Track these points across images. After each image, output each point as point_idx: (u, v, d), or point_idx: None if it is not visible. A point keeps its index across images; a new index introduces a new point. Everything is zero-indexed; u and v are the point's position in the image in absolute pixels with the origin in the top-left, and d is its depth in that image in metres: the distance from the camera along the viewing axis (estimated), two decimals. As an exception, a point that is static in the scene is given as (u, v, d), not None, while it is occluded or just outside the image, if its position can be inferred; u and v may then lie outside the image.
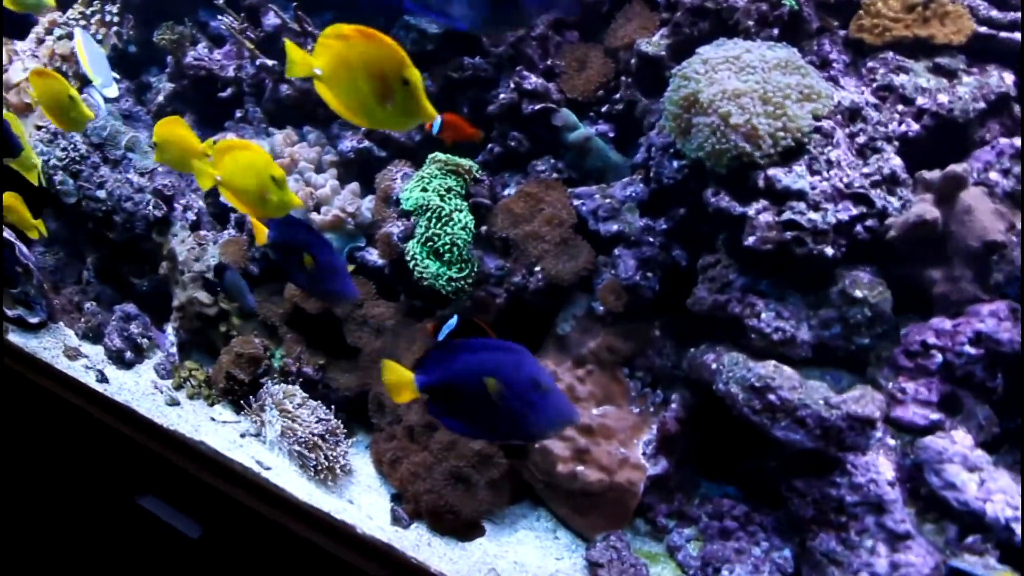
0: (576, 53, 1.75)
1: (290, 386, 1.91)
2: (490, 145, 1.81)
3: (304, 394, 1.89)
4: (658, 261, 1.65)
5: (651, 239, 1.65)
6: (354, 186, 1.87)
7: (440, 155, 1.72)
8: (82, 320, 2.32)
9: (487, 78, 1.83)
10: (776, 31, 1.51)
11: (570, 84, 1.73)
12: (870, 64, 1.53)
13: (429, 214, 1.63)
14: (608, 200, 1.67)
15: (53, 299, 2.38)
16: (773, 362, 1.44)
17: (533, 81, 1.67)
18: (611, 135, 1.77)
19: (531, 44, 1.70)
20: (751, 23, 1.51)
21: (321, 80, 1.09)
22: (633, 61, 1.64)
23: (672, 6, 1.61)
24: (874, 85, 1.49)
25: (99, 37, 2.14)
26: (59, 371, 2.16)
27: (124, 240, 2.18)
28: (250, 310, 1.80)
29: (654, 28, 1.63)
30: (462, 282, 1.69)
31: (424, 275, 1.66)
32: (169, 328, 2.15)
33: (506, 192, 1.78)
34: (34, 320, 2.36)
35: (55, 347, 2.32)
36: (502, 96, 1.71)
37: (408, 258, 1.68)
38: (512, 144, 1.71)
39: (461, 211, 1.65)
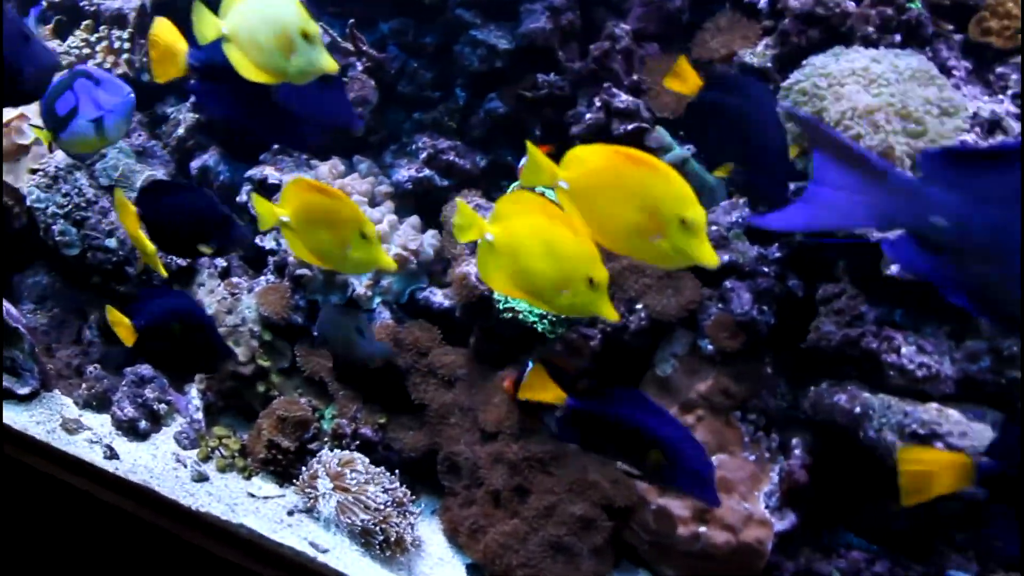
0: (663, 67, 1.64)
1: (347, 452, 1.79)
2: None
3: (364, 459, 1.73)
4: (774, 293, 1.53)
5: (765, 269, 1.52)
6: (414, 220, 1.75)
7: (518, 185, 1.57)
8: (83, 386, 2.15)
9: (563, 96, 1.72)
10: (899, 37, 1.41)
11: (659, 101, 1.65)
12: (1000, 70, 1.45)
13: None
14: (714, 227, 1.55)
15: (47, 364, 2.14)
16: (935, 405, 1.32)
17: (624, 99, 1.59)
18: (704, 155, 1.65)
19: (616, 58, 1.59)
20: (871, 29, 1.42)
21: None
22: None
23: (777, 13, 1.50)
24: (1009, 93, 1.39)
25: (107, 65, 1.93)
26: (57, 449, 1.95)
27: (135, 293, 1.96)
28: (381, 354, 1.61)
29: (756, 38, 1.52)
30: (559, 330, 1.66)
31: (516, 313, 1.51)
32: (193, 390, 1.98)
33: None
34: (23, 390, 2.19)
35: (50, 420, 2.13)
36: (588, 116, 1.62)
37: (499, 297, 1.52)
38: None
39: None
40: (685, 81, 1.40)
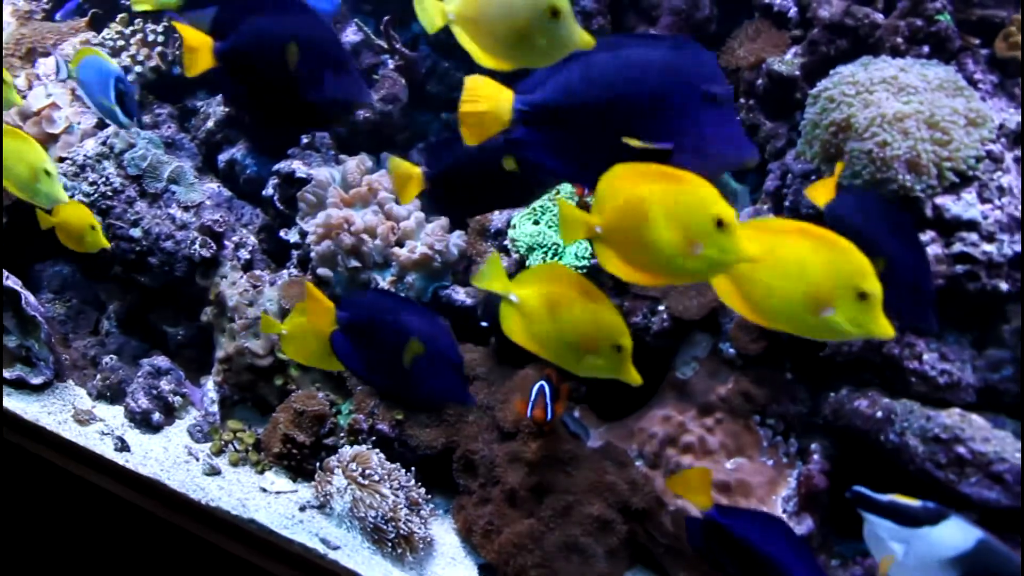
0: None
1: (364, 448, 1.78)
2: None
3: (381, 456, 1.74)
4: (797, 297, 1.54)
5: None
6: (444, 221, 1.79)
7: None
8: (98, 377, 2.20)
9: None
10: (926, 49, 1.45)
11: None
12: (1027, 84, 1.49)
13: (544, 250, 1.52)
14: (738, 231, 1.58)
15: (62, 354, 2.18)
16: (958, 410, 1.35)
17: None
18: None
19: None
20: (899, 40, 1.47)
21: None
22: (760, 81, 1.58)
23: (806, 23, 1.55)
24: (1034, 106, 1.44)
25: (140, 58, 1.99)
26: (67, 440, 1.99)
27: (159, 285, 1.99)
28: None
29: (785, 46, 1.57)
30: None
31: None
32: (209, 383, 2.00)
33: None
34: (37, 380, 2.22)
35: (62, 410, 2.17)
36: None
37: None
38: None
39: (576, 242, 1.54)
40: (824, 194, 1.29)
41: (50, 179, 1.59)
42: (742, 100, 1.80)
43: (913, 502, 1.13)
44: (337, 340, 1.32)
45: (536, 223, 1.71)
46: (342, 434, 1.93)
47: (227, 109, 2.12)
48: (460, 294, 1.91)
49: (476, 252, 1.83)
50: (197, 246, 2.01)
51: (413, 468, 1.85)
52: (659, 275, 1.03)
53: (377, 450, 1.84)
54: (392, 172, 1.30)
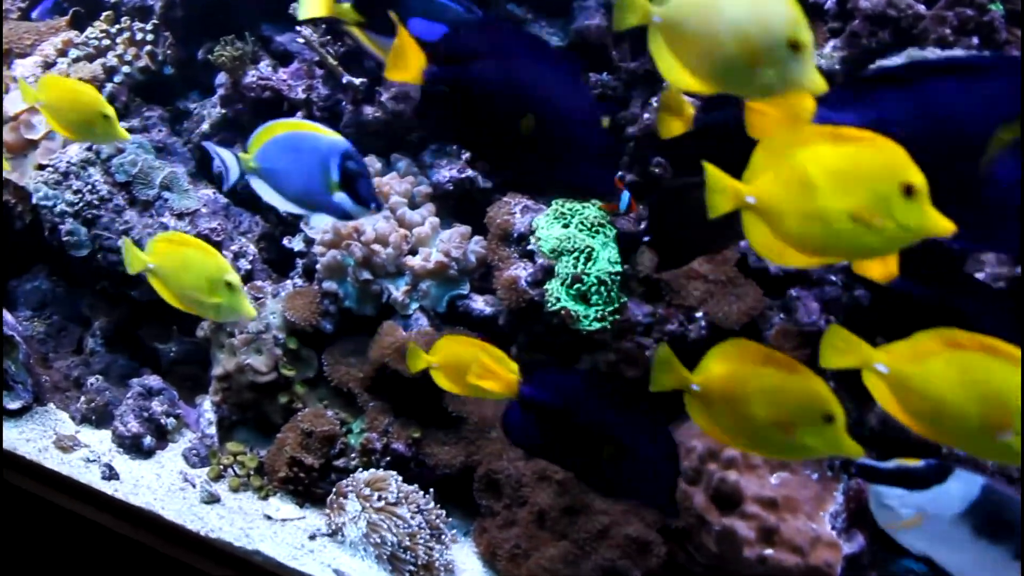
0: None
1: (380, 471, 1.78)
2: (619, 173, 1.64)
3: (398, 478, 1.69)
4: (841, 302, 1.49)
5: (833, 277, 1.49)
6: (464, 230, 1.73)
7: None
8: (82, 400, 2.10)
9: (616, 97, 1.68)
10: (976, 40, 1.40)
11: None
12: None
13: (576, 253, 1.44)
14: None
15: (42, 375, 2.07)
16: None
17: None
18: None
19: None
20: (947, 31, 1.41)
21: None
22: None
23: (845, 15, 1.50)
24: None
25: (128, 58, 1.88)
26: (48, 469, 1.89)
27: (151, 299, 1.88)
28: None
29: (823, 39, 1.51)
30: (608, 320, 1.62)
31: (571, 317, 1.48)
32: (206, 403, 1.91)
33: (643, 225, 1.61)
34: (14, 404, 2.10)
35: (43, 436, 2.06)
36: (646, 117, 1.61)
37: (550, 301, 1.47)
38: (657, 171, 1.54)
39: (607, 245, 1.47)
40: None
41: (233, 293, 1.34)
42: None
43: (917, 463, 1.12)
44: (513, 416, 1.23)
45: (566, 226, 1.63)
46: (354, 455, 1.84)
47: (226, 110, 2.02)
48: (478, 303, 1.83)
49: (498, 258, 1.75)
50: None
51: (432, 490, 1.75)
52: (824, 252, 0.92)
53: (395, 473, 1.74)
54: (666, 98, 1.11)
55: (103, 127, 1.45)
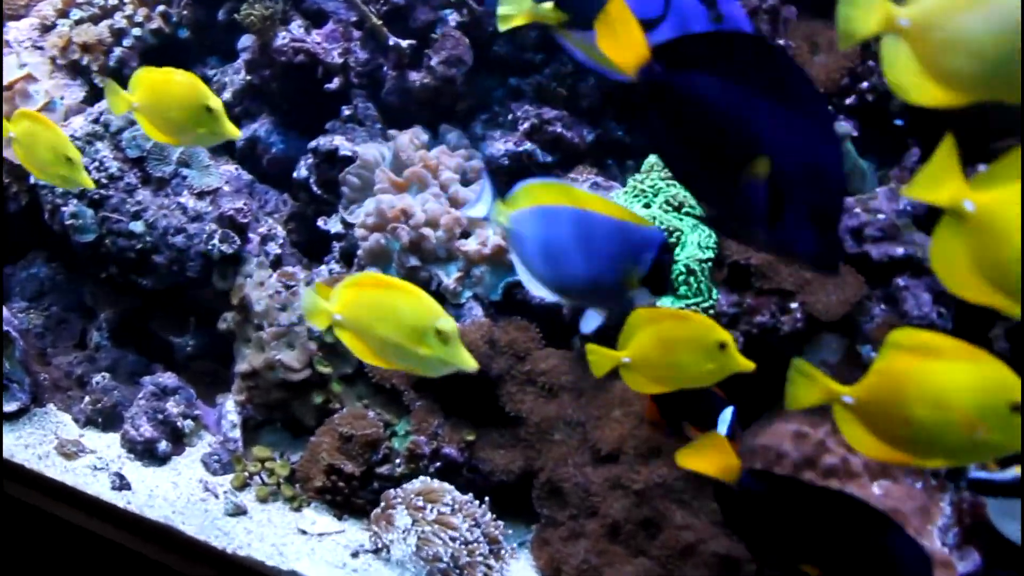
0: (807, 32, 1.47)
1: (434, 481, 1.62)
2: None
3: (452, 490, 1.60)
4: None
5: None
6: None
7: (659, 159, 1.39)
8: (86, 400, 1.93)
9: None
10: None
11: (808, 70, 1.44)
12: None
13: None
14: (881, 215, 1.37)
15: (40, 373, 2.04)
16: None
17: None
18: (854, 135, 1.48)
19: (763, 18, 1.40)
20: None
21: None
22: None
23: None
24: None
25: (138, 19, 1.70)
26: (50, 478, 1.74)
27: (165, 288, 1.72)
28: None
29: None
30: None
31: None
32: (228, 403, 1.79)
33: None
34: (10, 407, 1.92)
35: (43, 442, 1.90)
36: None
37: None
38: None
39: (697, 228, 1.31)
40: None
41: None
42: (870, 64, 1.59)
43: None
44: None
45: (647, 206, 1.47)
46: (399, 461, 1.69)
47: (251, 76, 1.84)
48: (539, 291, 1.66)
49: (564, 241, 1.58)
50: (216, 241, 1.74)
51: (487, 499, 1.60)
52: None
53: (449, 485, 1.58)
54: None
55: (209, 125, 1.25)
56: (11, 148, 1.45)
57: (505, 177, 1.77)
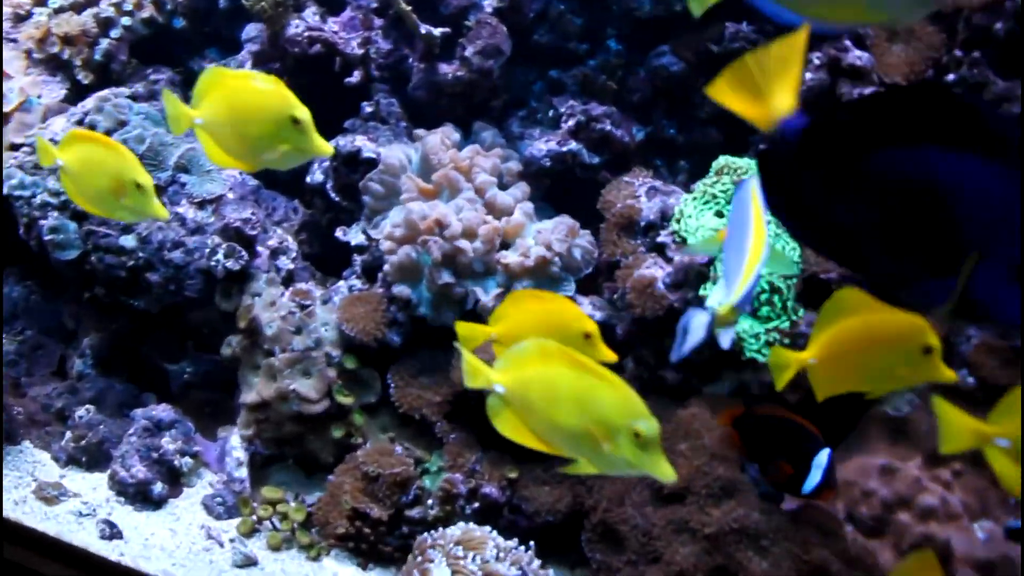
0: None
1: (475, 527, 1.44)
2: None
3: (495, 536, 1.41)
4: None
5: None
6: (571, 222, 1.40)
7: (730, 159, 1.25)
8: (68, 436, 1.75)
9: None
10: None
11: (886, 61, 1.32)
12: None
13: None
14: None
15: (13, 406, 1.80)
16: None
17: (857, 55, 1.26)
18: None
19: None
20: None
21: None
22: (1000, 25, 1.24)
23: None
24: None
25: (128, 7, 1.51)
26: (28, 528, 1.55)
27: (159, 310, 1.53)
28: None
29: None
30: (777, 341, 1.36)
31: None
32: (233, 438, 1.63)
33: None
34: None
35: (19, 484, 1.72)
36: (810, 76, 1.30)
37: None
38: None
39: (779, 239, 1.17)
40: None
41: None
42: (956, 52, 1.45)
43: None
44: None
45: (720, 214, 1.31)
46: (431, 502, 1.53)
47: (259, 69, 1.66)
48: (585, 306, 1.53)
49: (621, 252, 1.42)
50: (220, 256, 1.56)
51: (532, 543, 1.43)
52: None
53: (491, 530, 1.41)
54: None
55: (295, 140, 1.04)
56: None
57: (547, 180, 1.64)
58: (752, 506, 1.42)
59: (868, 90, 1.39)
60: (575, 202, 1.59)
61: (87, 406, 1.76)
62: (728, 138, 1.62)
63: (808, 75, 1.43)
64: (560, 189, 1.65)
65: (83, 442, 1.72)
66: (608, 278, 1.59)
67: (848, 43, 1.44)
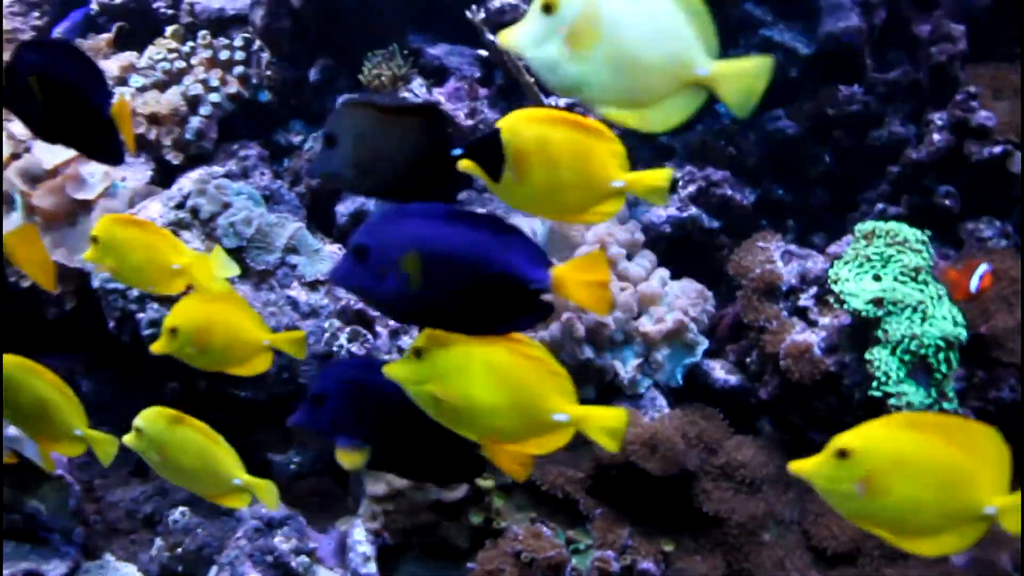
0: (990, 75, 1.43)
1: None
2: (880, 205, 1.42)
3: None
4: None
5: None
6: (698, 285, 1.43)
7: (878, 224, 1.30)
8: (159, 545, 1.61)
9: (868, 114, 1.45)
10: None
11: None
12: None
13: (907, 311, 1.20)
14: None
15: (90, 514, 1.69)
16: None
17: (985, 114, 1.32)
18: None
19: (956, 65, 1.34)
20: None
21: None
22: None
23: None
24: None
25: (213, 83, 1.47)
26: None
27: (266, 398, 1.49)
28: None
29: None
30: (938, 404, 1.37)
31: (898, 403, 1.22)
32: (357, 531, 1.52)
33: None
34: (56, 572, 1.57)
35: None
36: (937, 138, 1.35)
37: (878, 375, 1.21)
38: (947, 202, 1.33)
39: (942, 301, 1.23)
40: None
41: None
42: None
43: None
44: None
45: (878, 278, 1.35)
46: None
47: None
48: (717, 371, 1.54)
49: (765, 317, 1.44)
50: (344, 340, 1.49)
51: (692, 619, 1.43)
52: None
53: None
54: None
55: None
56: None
57: (664, 244, 1.64)
58: (931, 565, 1.45)
59: (997, 149, 1.45)
60: (691, 263, 1.60)
61: (181, 508, 1.60)
62: (835, 198, 1.68)
63: (937, 137, 1.48)
64: (687, 251, 1.65)
65: (179, 550, 1.58)
66: (731, 341, 1.62)
67: (974, 102, 1.46)
